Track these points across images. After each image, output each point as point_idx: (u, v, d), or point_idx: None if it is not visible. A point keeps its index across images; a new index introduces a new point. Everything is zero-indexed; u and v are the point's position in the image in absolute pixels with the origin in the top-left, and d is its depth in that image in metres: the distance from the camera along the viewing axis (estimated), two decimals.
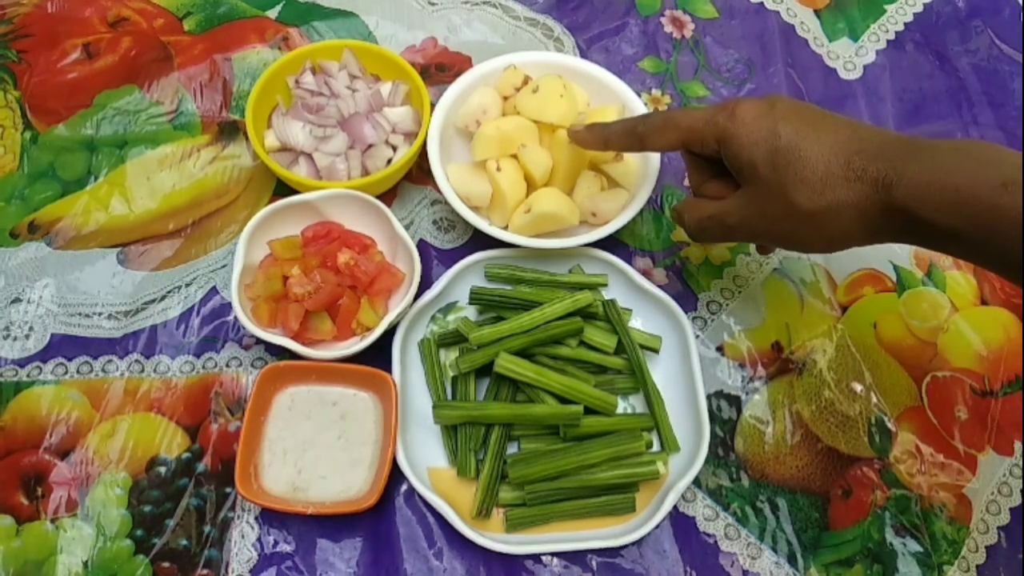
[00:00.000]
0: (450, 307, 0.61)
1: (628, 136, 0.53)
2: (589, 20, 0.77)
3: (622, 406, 0.58)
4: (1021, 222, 0.39)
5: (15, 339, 0.59)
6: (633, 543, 0.53)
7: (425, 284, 0.59)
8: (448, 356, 0.59)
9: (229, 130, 0.68)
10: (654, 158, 0.62)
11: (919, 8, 0.81)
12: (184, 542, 0.53)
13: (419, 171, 0.66)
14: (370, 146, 0.63)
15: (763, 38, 0.77)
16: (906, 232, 0.44)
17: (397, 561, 0.53)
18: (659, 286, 0.61)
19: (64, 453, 0.55)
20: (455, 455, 0.55)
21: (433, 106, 0.63)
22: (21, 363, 0.58)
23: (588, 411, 0.54)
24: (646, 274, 0.63)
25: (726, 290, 0.64)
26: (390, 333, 0.57)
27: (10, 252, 0.62)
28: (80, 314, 0.60)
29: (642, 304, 0.60)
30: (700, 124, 0.49)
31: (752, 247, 0.66)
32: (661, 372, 0.59)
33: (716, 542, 0.55)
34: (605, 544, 0.53)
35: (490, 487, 0.53)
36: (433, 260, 0.63)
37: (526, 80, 0.64)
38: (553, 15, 0.77)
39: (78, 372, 0.58)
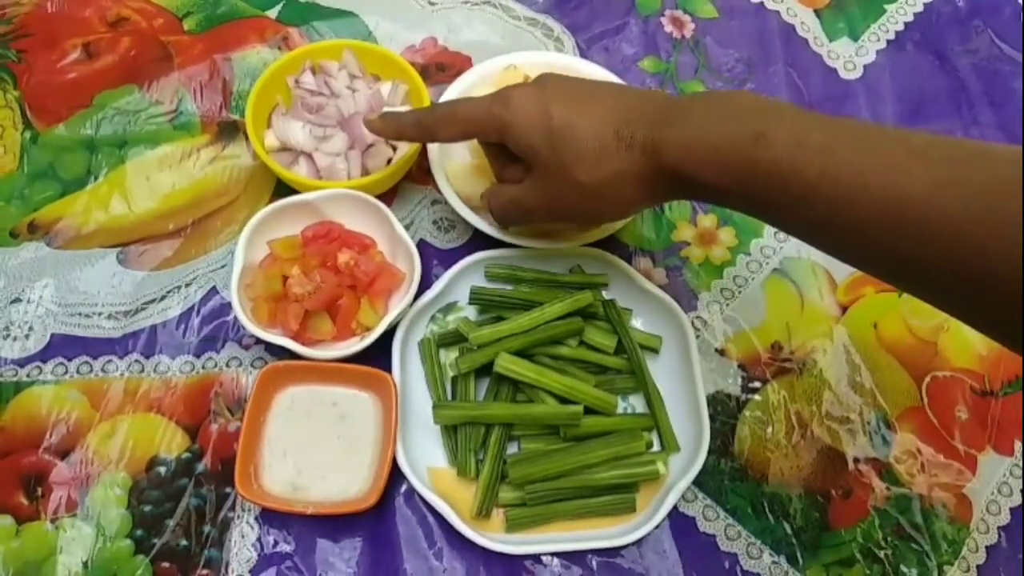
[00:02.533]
0: (450, 307, 0.61)
1: (417, 127, 0.53)
2: (589, 20, 0.77)
3: (622, 406, 0.58)
4: (774, 173, 0.40)
5: (15, 339, 0.59)
6: (633, 543, 0.53)
7: (425, 284, 0.59)
8: (448, 356, 0.59)
9: (229, 130, 0.68)
10: None
11: (919, 8, 0.81)
12: (184, 542, 0.53)
13: (419, 171, 0.66)
14: (370, 146, 0.63)
15: (763, 38, 0.77)
16: (684, 191, 0.46)
17: (397, 561, 0.53)
18: (659, 286, 0.61)
19: (64, 453, 0.55)
20: (455, 455, 0.55)
21: None
22: (21, 363, 0.58)
23: (588, 411, 0.54)
24: (646, 274, 0.63)
25: (726, 290, 0.64)
26: (390, 333, 0.57)
27: (10, 252, 0.62)
28: (80, 314, 0.60)
29: (642, 304, 0.60)
30: (479, 115, 0.50)
31: (754, 246, 0.66)
32: (661, 372, 0.59)
33: (716, 542, 0.55)
34: (605, 544, 0.53)
35: (490, 487, 0.53)
36: (433, 260, 0.63)
37: (526, 80, 0.64)
38: (553, 15, 0.77)
39: (78, 372, 0.58)
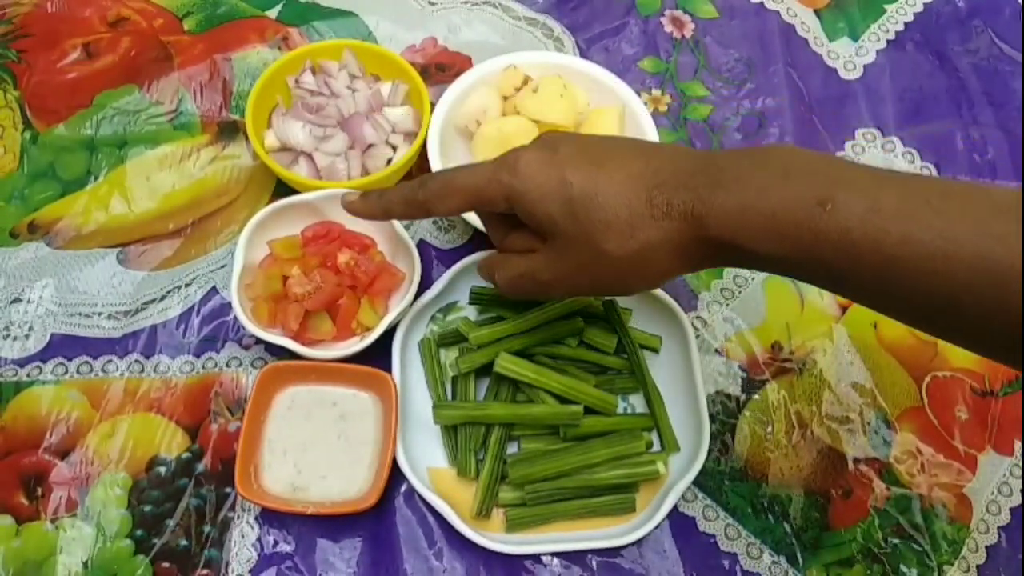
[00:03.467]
0: (450, 307, 0.61)
1: (409, 205, 0.47)
2: (589, 20, 0.77)
3: (622, 406, 0.58)
4: (845, 243, 0.35)
5: (15, 339, 0.59)
6: (633, 543, 0.53)
7: (425, 284, 0.59)
8: (448, 356, 0.59)
9: (229, 130, 0.68)
10: None
11: (919, 8, 0.81)
12: (184, 542, 0.53)
13: (419, 171, 0.66)
14: (370, 146, 0.63)
15: (763, 38, 0.77)
16: (731, 260, 0.41)
17: (397, 561, 0.53)
18: None
19: (64, 453, 0.55)
20: (455, 455, 0.55)
21: (433, 106, 0.63)
22: (21, 363, 0.58)
23: (588, 411, 0.54)
24: None
25: (726, 290, 0.64)
26: (390, 333, 0.57)
27: (10, 252, 0.62)
28: (80, 314, 0.60)
29: (642, 304, 0.60)
30: (483, 185, 0.44)
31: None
32: (661, 372, 0.59)
33: (716, 542, 0.55)
34: (605, 544, 0.53)
35: (490, 487, 0.53)
36: (433, 260, 0.63)
37: (526, 80, 0.64)
38: (553, 15, 0.77)
39: (78, 372, 0.58)
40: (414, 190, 0.46)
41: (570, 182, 0.41)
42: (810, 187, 0.37)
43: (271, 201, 0.62)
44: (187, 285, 0.62)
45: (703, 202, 0.39)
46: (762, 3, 0.79)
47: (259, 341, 0.59)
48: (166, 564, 0.52)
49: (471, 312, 0.60)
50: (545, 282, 0.45)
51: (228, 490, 0.54)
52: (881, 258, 0.35)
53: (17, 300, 0.61)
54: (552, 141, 0.44)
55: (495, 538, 0.52)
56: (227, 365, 0.59)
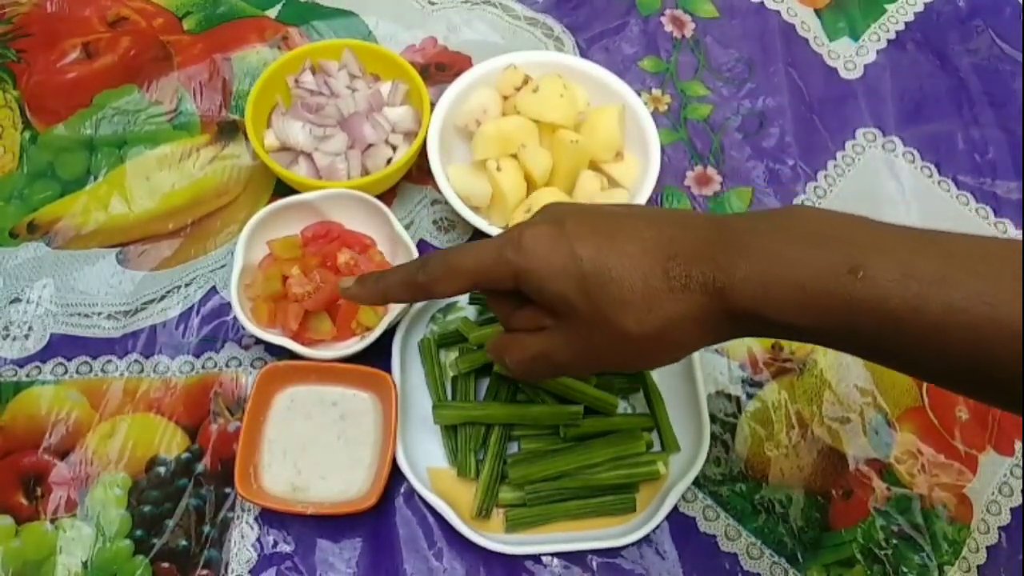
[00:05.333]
0: (450, 307, 0.60)
1: (409, 288, 0.44)
2: (589, 19, 0.77)
3: (622, 406, 0.58)
4: (883, 313, 0.34)
5: (14, 339, 0.59)
6: (633, 543, 0.53)
7: None
8: (448, 356, 0.59)
9: (229, 130, 0.68)
10: (655, 157, 0.62)
11: (920, 8, 0.80)
12: (184, 542, 0.53)
13: (419, 171, 0.66)
14: (370, 146, 0.63)
15: (763, 38, 0.77)
16: (758, 330, 0.39)
17: (397, 561, 0.53)
18: None
19: (63, 453, 0.55)
20: (455, 455, 0.55)
21: (433, 106, 0.63)
22: (20, 363, 0.58)
23: (588, 411, 0.54)
24: None
25: None
26: (390, 333, 0.57)
27: (9, 252, 0.62)
28: (79, 314, 0.60)
29: None
30: (488, 264, 0.41)
31: None
32: (661, 372, 0.59)
33: (716, 542, 0.55)
34: (605, 544, 0.53)
35: (490, 487, 0.53)
36: None
37: (526, 80, 0.64)
38: (553, 14, 0.77)
39: (77, 372, 0.58)
40: (413, 273, 0.44)
41: (580, 257, 0.39)
42: (839, 253, 0.35)
43: (271, 201, 0.62)
44: (187, 285, 0.61)
45: (724, 273, 0.37)
46: (762, 3, 0.79)
47: (259, 341, 0.59)
48: (166, 564, 0.52)
49: (471, 312, 0.60)
50: (562, 364, 0.43)
51: (228, 490, 0.54)
52: (924, 328, 0.33)
53: (17, 300, 0.60)
54: (557, 214, 0.41)
55: (495, 538, 0.52)
56: (227, 365, 0.59)
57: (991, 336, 0.32)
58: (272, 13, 0.75)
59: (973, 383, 0.36)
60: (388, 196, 0.65)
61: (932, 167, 0.71)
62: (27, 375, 0.58)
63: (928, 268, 0.33)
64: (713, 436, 0.57)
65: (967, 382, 0.36)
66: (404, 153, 0.63)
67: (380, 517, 0.54)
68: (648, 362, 0.43)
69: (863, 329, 0.35)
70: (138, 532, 0.53)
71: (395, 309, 0.56)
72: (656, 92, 0.73)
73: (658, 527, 0.54)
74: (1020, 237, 0.68)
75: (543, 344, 0.42)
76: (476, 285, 0.43)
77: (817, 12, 0.80)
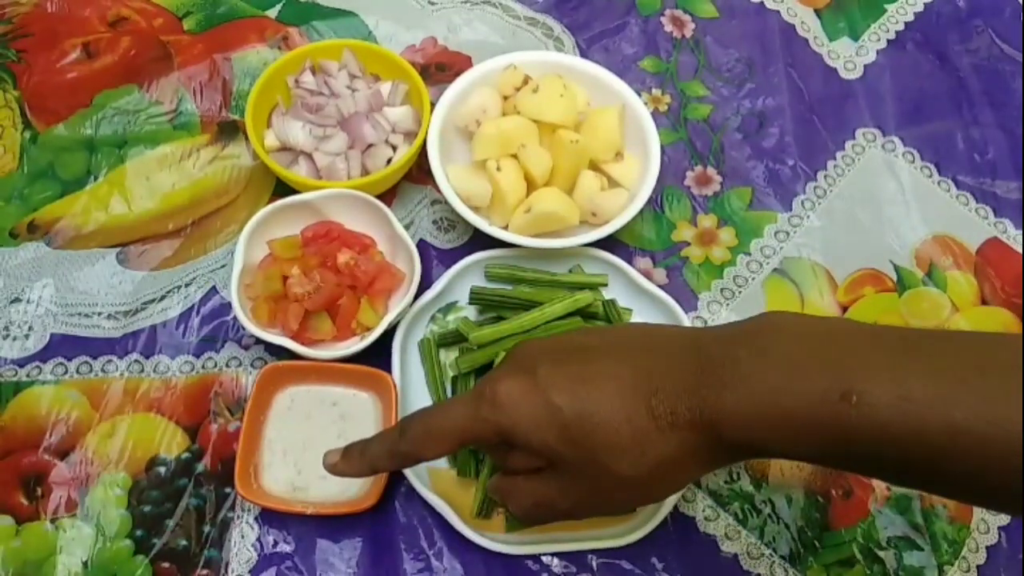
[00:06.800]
0: (450, 307, 0.60)
1: (394, 458, 0.44)
2: (589, 19, 0.77)
3: None
4: (883, 439, 0.33)
5: (15, 339, 0.59)
6: (633, 543, 0.53)
7: (425, 284, 0.59)
8: (448, 356, 0.59)
9: (229, 130, 0.68)
10: (655, 157, 0.62)
11: (920, 8, 0.81)
12: (184, 542, 0.53)
13: (419, 171, 0.66)
14: (370, 146, 0.63)
15: (763, 38, 0.77)
16: (759, 455, 0.38)
17: (397, 561, 0.53)
18: (659, 286, 0.61)
19: (64, 453, 0.55)
20: (455, 455, 0.55)
21: (433, 106, 0.63)
22: (21, 363, 0.58)
23: None
24: (646, 274, 0.62)
25: (726, 290, 0.64)
26: (390, 333, 0.57)
27: (10, 252, 0.62)
28: (80, 314, 0.60)
29: (642, 304, 0.60)
30: (468, 426, 0.40)
31: (755, 246, 0.66)
32: None
33: (716, 542, 0.55)
34: (605, 544, 0.53)
35: None
36: (433, 260, 0.63)
37: (526, 80, 0.64)
38: (553, 14, 0.77)
39: (78, 372, 0.58)
40: (395, 442, 0.43)
41: (559, 407, 0.38)
42: (826, 379, 0.34)
43: (271, 201, 0.62)
44: (187, 285, 0.62)
45: (711, 408, 0.36)
46: (762, 3, 0.79)
47: (259, 341, 0.59)
48: (166, 564, 0.52)
49: (471, 312, 0.60)
50: (565, 511, 0.42)
51: (228, 490, 0.54)
52: (927, 450, 0.32)
53: (17, 300, 0.60)
54: (526, 361, 0.40)
55: (495, 538, 0.52)
56: (227, 365, 0.59)
57: (998, 453, 0.31)
58: (272, 13, 0.75)
59: (977, 495, 0.36)
60: (388, 196, 0.65)
61: (932, 167, 0.71)
62: (27, 375, 0.58)
63: (924, 389, 0.32)
64: None
65: (975, 495, 0.36)
66: (404, 153, 0.63)
67: (380, 517, 0.54)
68: (653, 497, 0.43)
69: (867, 453, 0.34)
70: (138, 532, 0.53)
71: (395, 309, 0.56)
72: (656, 92, 0.73)
73: (658, 527, 0.54)
74: (1020, 237, 0.68)
75: (542, 491, 0.41)
76: (461, 445, 0.42)
77: (817, 12, 0.80)
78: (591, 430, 0.37)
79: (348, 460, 0.45)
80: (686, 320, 0.58)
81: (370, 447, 0.44)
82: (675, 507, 0.55)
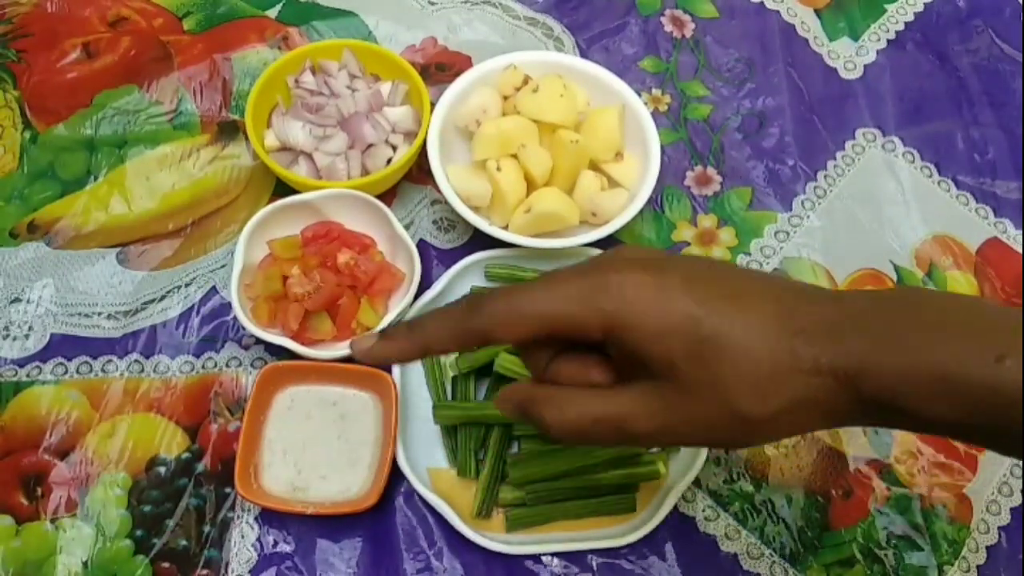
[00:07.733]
0: None
1: (460, 336, 0.37)
2: (589, 19, 0.77)
3: None
4: (1022, 399, 0.31)
5: (15, 339, 0.59)
6: (633, 543, 0.53)
7: (425, 284, 0.59)
8: (448, 356, 0.59)
9: (229, 130, 0.68)
10: (655, 157, 0.62)
11: (920, 8, 0.81)
12: (184, 542, 0.53)
13: (419, 171, 0.66)
14: (370, 146, 0.63)
15: (763, 38, 0.77)
16: (886, 421, 0.36)
17: (397, 561, 0.53)
18: None
19: (64, 453, 0.55)
20: (455, 455, 0.55)
21: (433, 106, 0.63)
22: (20, 363, 0.58)
23: None
24: None
25: None
26: None
27: (9, 252, 0.62)
28: (80, 314, 0.60)
29: None
30: (571, 310, 0.35)
31: (755, 246, 0.66)
32: None
33: (716, 542, 0.55)
34: (605, 544, 0.53)
35: (490, 487, 0.53)
36: (433, 260, 0.63)
37: (526, 80, 0.64)
38: (553, 14, 0.77)
39: (78, 372, 0.58)
40: (463, 318, 0.36)
41: (698, 318, 0.33)
42: (987, 342, 0.32)
43: (271, 201, 0.62)
44: (187, 285, 0.62)
45: (857, 359, 0.33)
46: (762, 3, 0.79)
47: (259, 341, 0.59)
48: (166, 564, 0.52)
49: None
50: (639, 434, 0.36)
51: (228, 490, 0.54)
52: None
53: (17, 300, 0.60)
54: (655, 262, 0.36)
55: (495, 538, 0.52)
56: (227, 365, 0.59)
57: None
58: (272, 13, 0.75)
59: None
60: (388, 196, 0.65)
61: (932, 167, 0.71)
62: (27, 375, 0.58)
63: None
64: None
65: None
66: (404, 153, 0.63)
67: (380, 517, 0.54)
68: (752, 442, 0.38)
69: (999, 414, 0.32)
70: (138, 532, 0.53)
71: (395, 309, 0.56)
72: (656, 92, 0.73)
73: (658, 527, 0.54)
74: (1020, 237, 0.68)
75: (615, 407, 0.36)
76: (548, 332, 0.36)
77: (817, 12, 0.80)
78: (726, 352, 0.33)
79: (391, 339, 0.38)
80: None
81: (425, 324, 0.38)
82: (675, 507, 0.55)
